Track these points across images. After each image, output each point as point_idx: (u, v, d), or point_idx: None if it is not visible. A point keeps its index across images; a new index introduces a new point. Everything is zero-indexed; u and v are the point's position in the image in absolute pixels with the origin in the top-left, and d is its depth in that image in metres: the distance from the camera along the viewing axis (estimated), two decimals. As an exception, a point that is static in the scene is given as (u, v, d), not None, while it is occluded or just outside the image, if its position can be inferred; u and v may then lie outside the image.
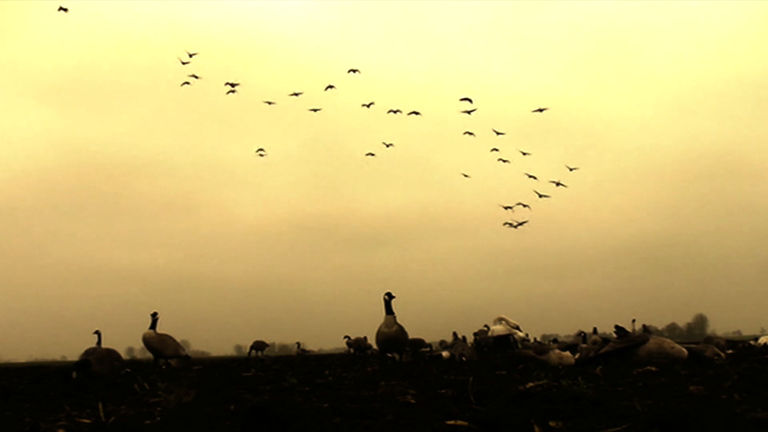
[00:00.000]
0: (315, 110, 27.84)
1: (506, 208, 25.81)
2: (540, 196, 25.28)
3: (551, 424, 2.53)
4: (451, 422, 2.57)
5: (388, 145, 28.47)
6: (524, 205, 25.68)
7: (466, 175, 28.19)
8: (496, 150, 26.54)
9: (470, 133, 26.43)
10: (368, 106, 26.98)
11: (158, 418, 3.06)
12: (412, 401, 3.57)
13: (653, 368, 5.59)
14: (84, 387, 5.23)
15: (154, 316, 10.74)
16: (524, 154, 26.24)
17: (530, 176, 25.54)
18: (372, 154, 28.68)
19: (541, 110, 25.62)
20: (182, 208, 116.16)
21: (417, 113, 27.37)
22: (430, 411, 3.05)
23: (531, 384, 4.05)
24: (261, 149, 29.44)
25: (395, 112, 27.65)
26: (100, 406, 3.37)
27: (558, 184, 25.18)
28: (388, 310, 9.21)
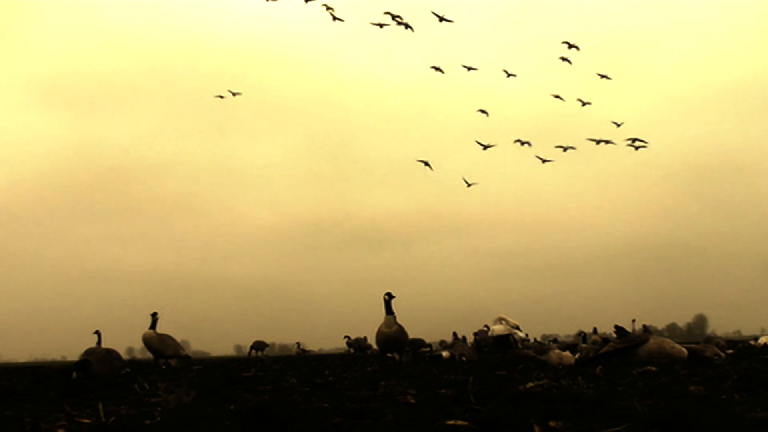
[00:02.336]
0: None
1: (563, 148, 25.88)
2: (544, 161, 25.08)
3: (551, 424, 2.53)
4: (451, 422, 2.57)
5: (470, 69, 26.92)
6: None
7: (468, 183, 27.59)
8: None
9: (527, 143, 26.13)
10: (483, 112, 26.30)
11: (158, 418, 3.06)
12: (412, 401, 3.57)
13: (653, 368, 5.59)
14: (84, 387, 5.23)
15: (154, 316, 10.75)
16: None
17: (556, 96, 25.42)
18: (440, 70, 26.60)
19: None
20: (183, 209, 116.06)
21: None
22: (430, 411, 3.05)
23: (531, 384, 4.05)
24: (234, 92, 28.56)
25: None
26: (100, 406, 3.37)
27: (565, 149, 24.93)
28: (388, 310, 9.22)
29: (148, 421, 2.95)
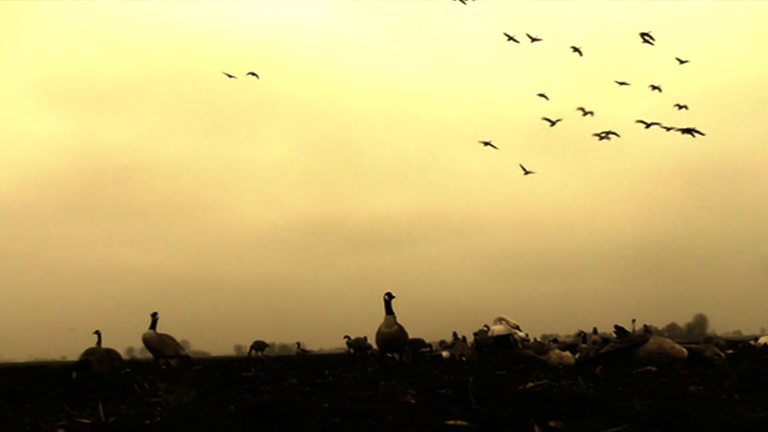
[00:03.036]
0: None
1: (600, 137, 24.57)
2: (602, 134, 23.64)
3: (551, 424, 2.53)
4: (451, 422, 2.57)
5: (534, 40, 24.72)
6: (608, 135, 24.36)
7: (526, 171, 26.02)
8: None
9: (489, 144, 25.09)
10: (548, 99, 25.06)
11: (158, 418, 3.06)
12: (412, 401, 3.57)
13: (653, 368, 5.59)
14: (84, 387, 5.23)
15: (154, 316, 10.75)
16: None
17: (622, 83, 24.36)
18: (513, 39, 24.11)
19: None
20: (183, 209, 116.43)
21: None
22: (430, 411, 3.05)
23: (531, 384, 4.05)
24: (253, 73, 27.78)
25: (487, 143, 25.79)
26: (100, 406, 3.37)
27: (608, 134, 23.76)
28: (388, 310, 9.21)
29: (148, 421, 2.95)
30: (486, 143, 25.07)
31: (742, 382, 4.05)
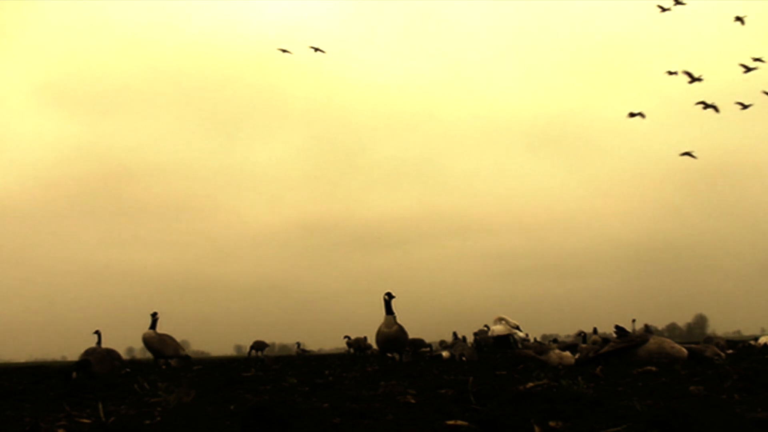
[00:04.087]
0: None
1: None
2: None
3: (551, 424, 2.53)
4: (451, 422, 2.57)
5: (678, 3, 23.75)
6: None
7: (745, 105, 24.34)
8: None
9: None
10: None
11: (158, 418, 3.06)
12: (412, 401, 3.57)
13: (653, 368, 5.59)
14: (84, 387, 5.23)
15: (154, 316, 10.74)
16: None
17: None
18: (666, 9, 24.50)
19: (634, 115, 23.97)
20: (184, 209, 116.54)
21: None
22: (430, 411, 3.05)
23: (531, 384, 4.05)
24: (285, 50, 26.64)
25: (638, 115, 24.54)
26: (100, 406, 3.37)
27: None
28: (388, 310, 9.21)
29: (148, 421, 2.95)
30: (634, 114, 23.89)
31: (742, 382, 4.05)
